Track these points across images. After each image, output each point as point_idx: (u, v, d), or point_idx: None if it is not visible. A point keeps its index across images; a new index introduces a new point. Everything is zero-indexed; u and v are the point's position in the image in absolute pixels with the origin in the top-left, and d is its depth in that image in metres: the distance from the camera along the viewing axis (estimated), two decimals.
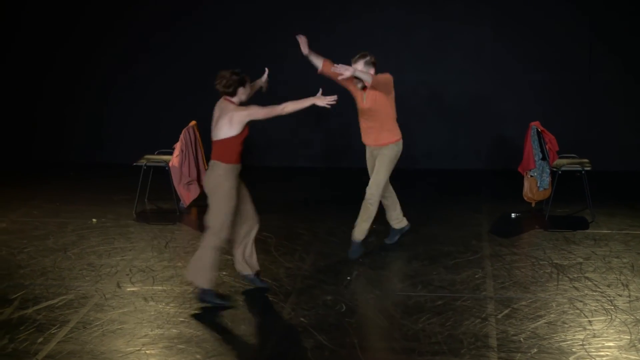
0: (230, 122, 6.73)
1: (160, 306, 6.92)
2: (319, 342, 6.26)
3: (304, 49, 7.78)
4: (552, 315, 6.69)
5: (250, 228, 7.13)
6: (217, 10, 11.66)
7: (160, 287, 7.32)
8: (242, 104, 6.89)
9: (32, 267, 7.81)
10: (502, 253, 8.17)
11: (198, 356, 6.07)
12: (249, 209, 7.10)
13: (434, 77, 11.56)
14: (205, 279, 6.85)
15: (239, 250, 7.15)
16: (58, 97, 12.09)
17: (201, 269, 6.85)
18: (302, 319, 6.69)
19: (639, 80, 11.31)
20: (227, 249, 7.27)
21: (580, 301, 6.97)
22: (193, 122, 9.62)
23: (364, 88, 7.77)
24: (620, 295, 7.08)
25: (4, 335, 6.35)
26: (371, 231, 8.13)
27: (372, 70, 7.73)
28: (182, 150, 9.39)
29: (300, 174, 11.49)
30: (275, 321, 6.66)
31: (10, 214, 9.47)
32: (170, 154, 9.64)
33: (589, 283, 7.36)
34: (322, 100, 6.87)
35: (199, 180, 9.53)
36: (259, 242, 8.01)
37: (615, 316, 6.67)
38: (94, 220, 9.27)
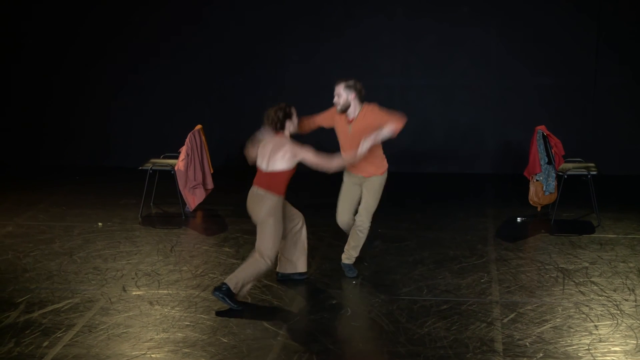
0: (284, 156, 6.95)
1: (166, 310, 6.93)
2: (324, 346, 6.26)
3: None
4: (558, 320, 6.68)
5: (298, 226, 7.47)
6: (224, 15, 11.67)
7: (165, 291, 7.33)
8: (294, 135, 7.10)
9: (38, 271, 7.82)
10: (507, 257, 8.16)
11: None
12: (292, 213, 7.43)
13: (439, 81, 11.57)
14: (238, 286, 6.94)
15: (289, 251, 7.50)
16: (65, 102, 12.12)
17: (241, 279, 6.94)
18: (307, 323, 6.69)
19: None
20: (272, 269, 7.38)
21: (586, 305, 6.96)
22: (199, 126, 9.63)
23: (351, 120, 7.32)
24: (626, 300, 7.06)
25: (10, 339, 6.36)
26: (376, 235, 8.11)
27: (352, 95, 7.23)
28: (187, 154, 9.39)
29: (306, 178, 11.48)
30: (281, 325, 6.66)
31: (16, 218, 9.49)
32: (176, 157, 9.65)
33: (595, 287, 7.35)
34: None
35: (204, 184, 9.54)
36: None
37: (622, 321, 6.66)
38: (100, 224, 9.28)
